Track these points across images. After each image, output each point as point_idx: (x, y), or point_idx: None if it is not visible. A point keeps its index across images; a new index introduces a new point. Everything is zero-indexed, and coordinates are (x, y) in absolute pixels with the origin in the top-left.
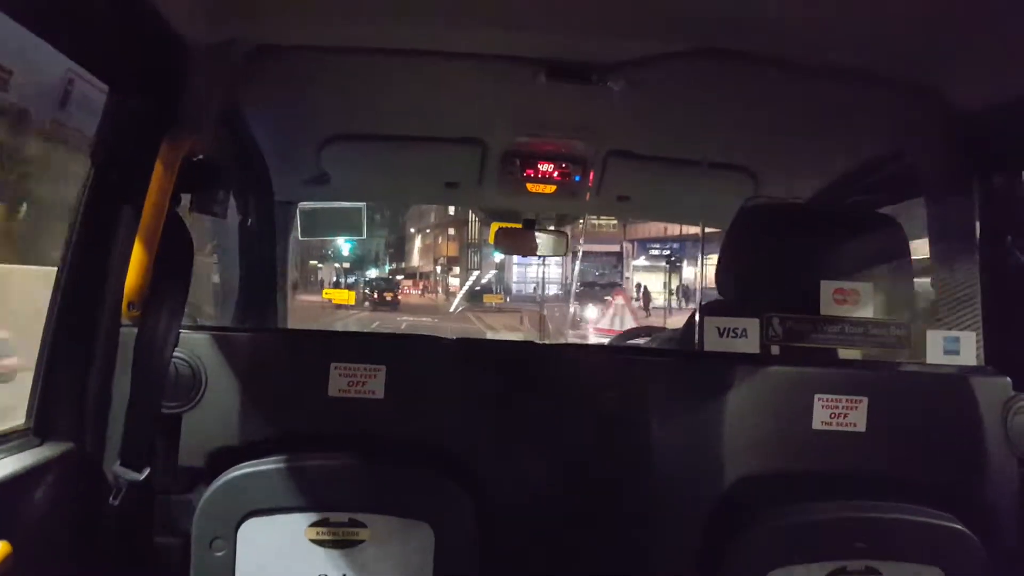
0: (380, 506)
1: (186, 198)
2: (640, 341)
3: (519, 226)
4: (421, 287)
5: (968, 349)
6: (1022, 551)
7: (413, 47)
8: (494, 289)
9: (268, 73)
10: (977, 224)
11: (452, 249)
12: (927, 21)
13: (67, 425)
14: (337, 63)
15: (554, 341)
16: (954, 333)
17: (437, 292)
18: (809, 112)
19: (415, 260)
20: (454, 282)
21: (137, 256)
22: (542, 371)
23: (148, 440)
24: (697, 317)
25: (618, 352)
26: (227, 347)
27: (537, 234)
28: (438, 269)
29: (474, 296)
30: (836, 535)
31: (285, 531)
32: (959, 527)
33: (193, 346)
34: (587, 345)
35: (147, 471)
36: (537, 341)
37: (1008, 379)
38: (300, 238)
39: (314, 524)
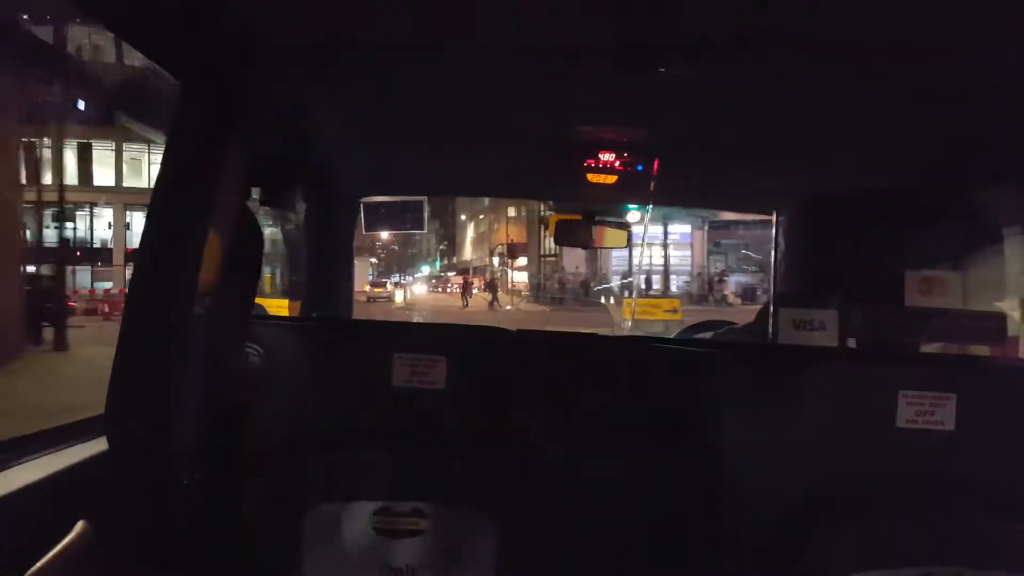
0: (441, 496)
1: (256, 192)
2: (709, 334)
3: (579, 217)
4: (476, 284)
5: None
6: None
7: (475, 39)
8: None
9: (332, 69)
10: None
11: (517, 233)
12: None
13: (140, 412)
14: (399, 58)
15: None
16: None
17: (495, 291)
18: (880, 96)
19: (467, 252)
20: (519, 278)
21: (210, 248)
22: (607, 363)
23: (218, 427)
24: (771, 308)
25: (685, 345)
26: (294, 337)
27: (598, 226)
28: (495, 261)
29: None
30: (921, 540)
31: (349, 520)
32: None
33: (261, 336)
34: (653, 338)
35: (216, 458)
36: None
37: None
38: (364, 232)
39: (377, 513)
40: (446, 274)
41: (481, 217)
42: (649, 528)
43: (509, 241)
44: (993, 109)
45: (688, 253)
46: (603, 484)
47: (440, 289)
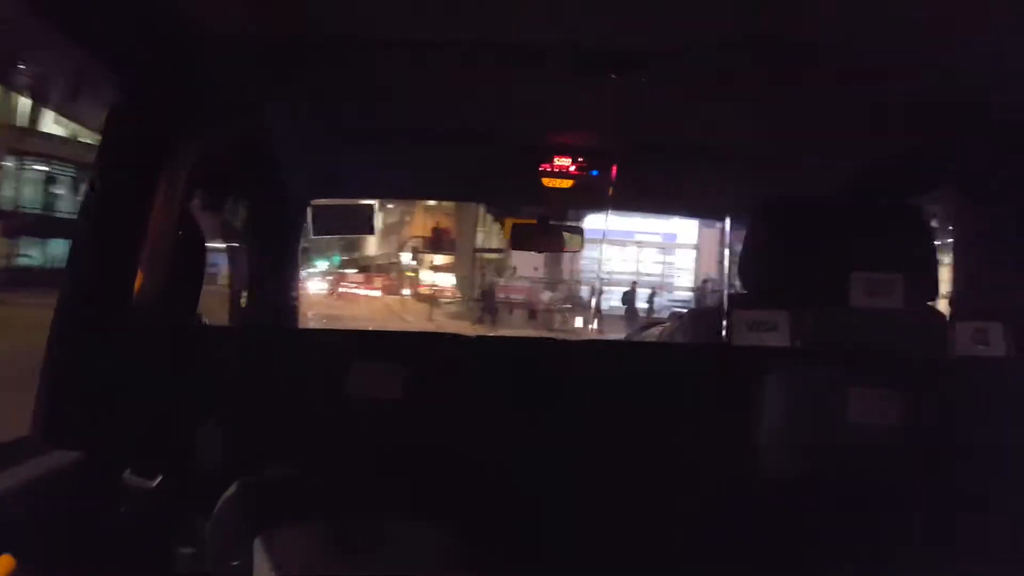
0: (403, 510)
1: (198, 196)
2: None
3: (534, 222)
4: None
5: (997, 339)
6: None
7: (429, 39)
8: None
9: (280, 70)
10: (1007, 215)
11: (440, 221)
12: (955, 10)
13: (75, 432)
14: (350, 58)
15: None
16: (983, 323)
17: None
18: (835, 104)
19: (372, 248)
20: (441, 281)
21: (148, 255)
22: (565, 367)
23: (161, 446)
24: (725, 310)
25: (641, 347)
26: (242, 348)
27: (553, 230)
28: (406, 258)
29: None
30: (873, 533)
31: (305, 538)
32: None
33: (207, 347)
34: (609, 340)
35: (159, 479)
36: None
37: None
38: (312, 236)
39: (335, 530)
40: (345, 271)
41: (391, 206)
42: (613, 530)
43: (435, 226)
44: (930, 119)
45: (693, 258)
46: (565, 489)
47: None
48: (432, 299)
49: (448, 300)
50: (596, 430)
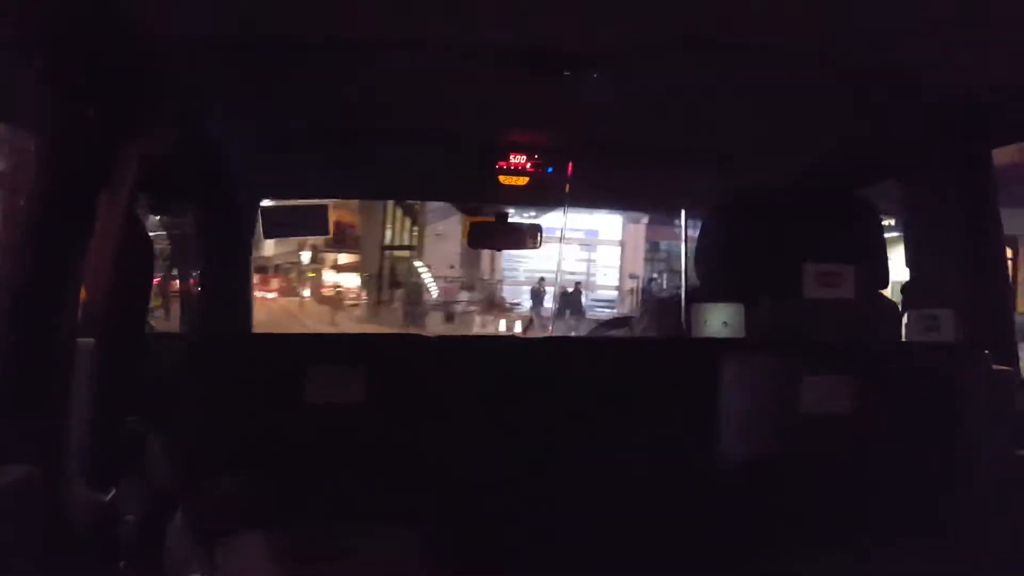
0: (367, 514)
1: (145, 201)
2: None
3: (492, 220)
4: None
5: (947, 325)
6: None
7: (380, 38)
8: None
9: (230, 68)
10: (950, 204)
11: (343, 217)
12: (902, 5)
13: (22, 447)
14: (301, 57)
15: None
16: (932, 310)
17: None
18: (784, 97)
19: (270, 248)
20: (345, 282)
21: (94, 262)
22: (529, 365)
23: (113, 459)
24: (684, 304)
25: (604, 343)
26: (195, 355)
27: (511, 227)
28: (305, 258)
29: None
30: (828, 518)
31: (265, 548)
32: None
33: (158, 356)
34: (572, 338)
35: (113, 492)
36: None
37: (988, 352)
38: (264, 239)
39: (296, 538)
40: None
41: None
42: (580, 525)
43: (337, 222)
44: (878, 110)
45: (618, 255)
46: (531, 487)
47: None
48: (334, 301)
49: (352, 302)
50: (564, 426)
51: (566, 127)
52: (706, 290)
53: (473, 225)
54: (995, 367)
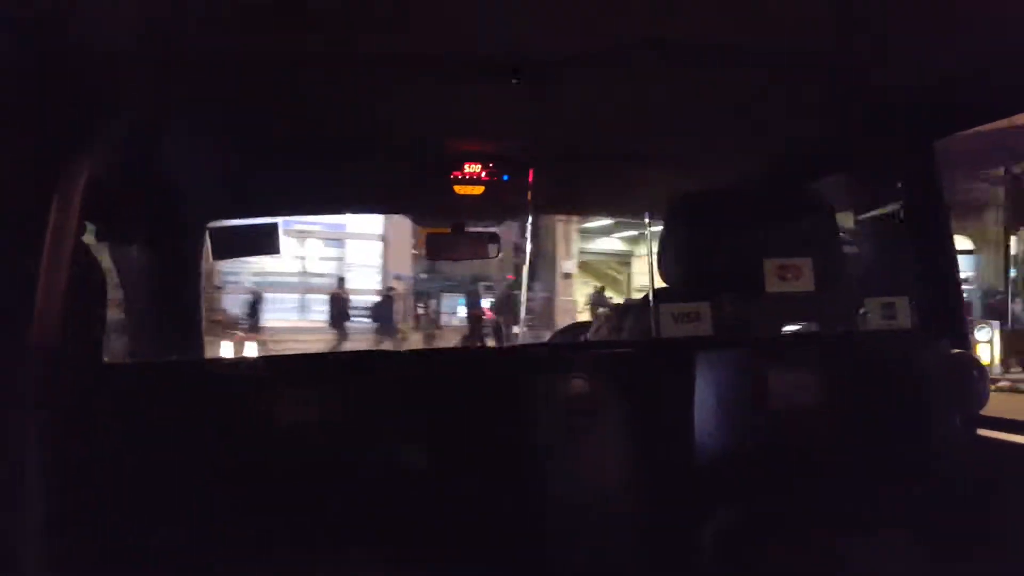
0: (344, 535)
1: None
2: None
3: (448, 231)
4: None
5: (903, 314)
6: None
7: (330, 50)
8: None
9: (175, 84)
10: (897, 194)
11: None
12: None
13: None
14: (247, 73)
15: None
16: (889, 299)
17: None
18: (736, 98)
19: None
20: None
21: (44, 296)
22: (503, 376)
23: (74, 496)
24: (652, 305)
25: (576, 348)
26: (158, 383)
27: (468, 236)
28: None
29: None
30: (804, 512)
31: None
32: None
33: (119, 385)
34: (544, 345)
35: (80, 531)
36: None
37: (946, 340)
38: (212, 260)
39: (265, 560)
40: None
41: None
42: (557, 534)
43: None
44: (827, 106)
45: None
46: (510, 496)
47: None
48: None
49: None
50: (538, 434)
51: (521, 134)
52: (671, 290)
53: (429, 236)
54: (951, 351)
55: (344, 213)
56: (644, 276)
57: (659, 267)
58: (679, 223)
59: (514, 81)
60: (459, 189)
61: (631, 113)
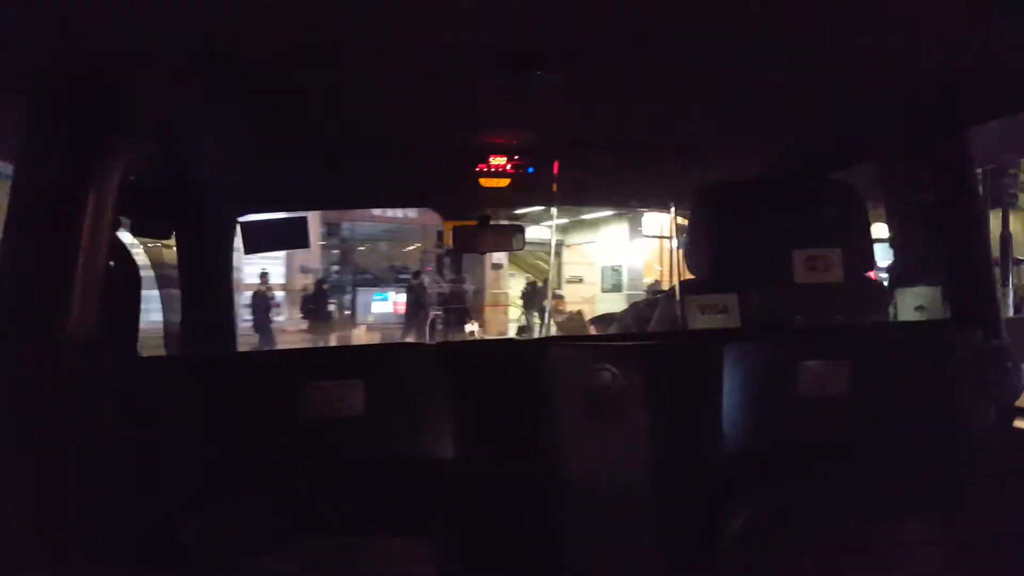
0: (373, 527)
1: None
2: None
3: (475, 223)
4: None
5: (935, 305)
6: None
7: (352, 46)
8: None
9: (205, 82)
10: (929, 183)
11: None
12: None
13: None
14: (275, 70)
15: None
16: (921, 290)
17: None
18: (761, 86)
19: None
20: None
21: (80, 290)
22: (529, 368)
23: (105, 488)
24: (678, 297)
25: (602, 341)
26: (187, 377)
27: (494, 229)
28: None
29: None
30: (832, 505)
31: (274, 566)
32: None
33: (150, 379)
34: (569, 337)
35: (110, 526)
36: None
37: (979, 331)
38: (245, 254)
39: (304, 555)
40: None
41: None
42: (585, 527)
43: None
44: (855, 92)
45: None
46: (536, 492)
47: None
48: None
49: None
50: (565, 426)
51: (545, 126)
52: (698, 282)
53: (456, 229)
54: (984, 341)
55: (369, 207)
56: (575, 267)
57: (686, 259)
58: (706, 214)
59: (537, 72)
60: (484, 182)
61: (654, 104)
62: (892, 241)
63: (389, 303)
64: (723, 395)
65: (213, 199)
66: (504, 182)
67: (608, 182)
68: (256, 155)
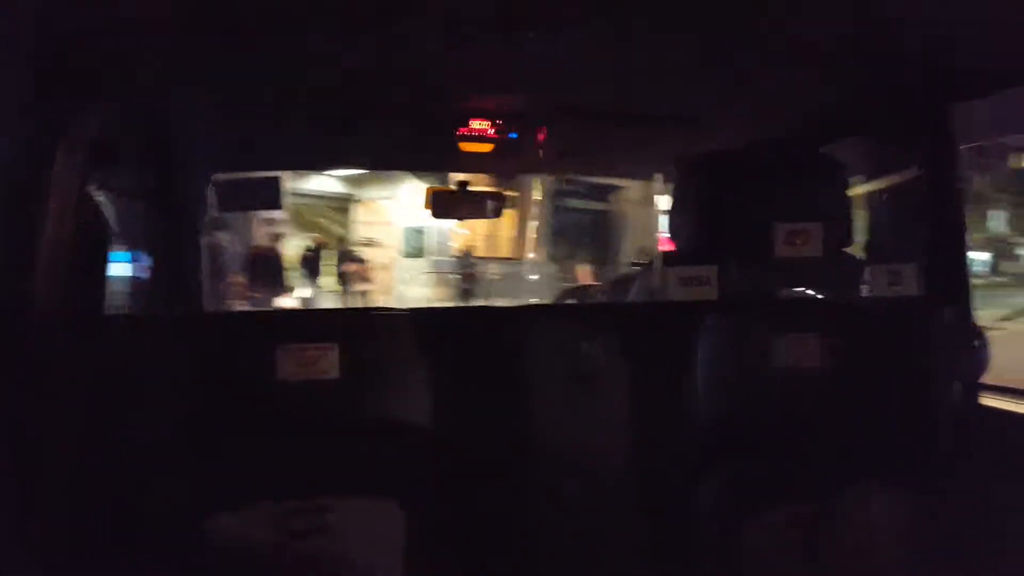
0: (345, 487)
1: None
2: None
3: (454, 188)
4: None
5: (910, 280)
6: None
7: (330, 3)
8: None
9: (182, 40)
10: (912, 160)
11: None
12: None
13: None
14: (250, 26)
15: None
16: (896, 265)
17: None
18: (749, 58)
19: None
20: None
21: (48, 245)
22: (503, 335)
23: (74, 443)
24: (657, 267)
25: (579, 310)
26: (160, 336)
27: (473, 195)
28: None
29: None
30: (808, 473)
31: (248, 523)
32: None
33: (122, 338)
34: (546, 305)
35: (79, 483)
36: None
37: (952, 306)
38: (218, 213)
39: (278, 512)
40: None
41: None
42: (557, 493)
43: None
44: (841, 68)
45: None
46: (508, 457)
47: None
48: None
49: None
50: (542, 394)
51: (530, 91)
52: (680, 253)
53: (435, 194)
54: (956, 318)
55: (346, 168)
56: (370, 227)
57: (669, 230)
58: (688, 185)
59: (530, 35)
60: (465, 147)
61: (637, 72)
62: (872, 217)
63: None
64: (699, 366)
65: (184, 158)
66: (487, 147)
67: (594, 150)
68: (229, 116)
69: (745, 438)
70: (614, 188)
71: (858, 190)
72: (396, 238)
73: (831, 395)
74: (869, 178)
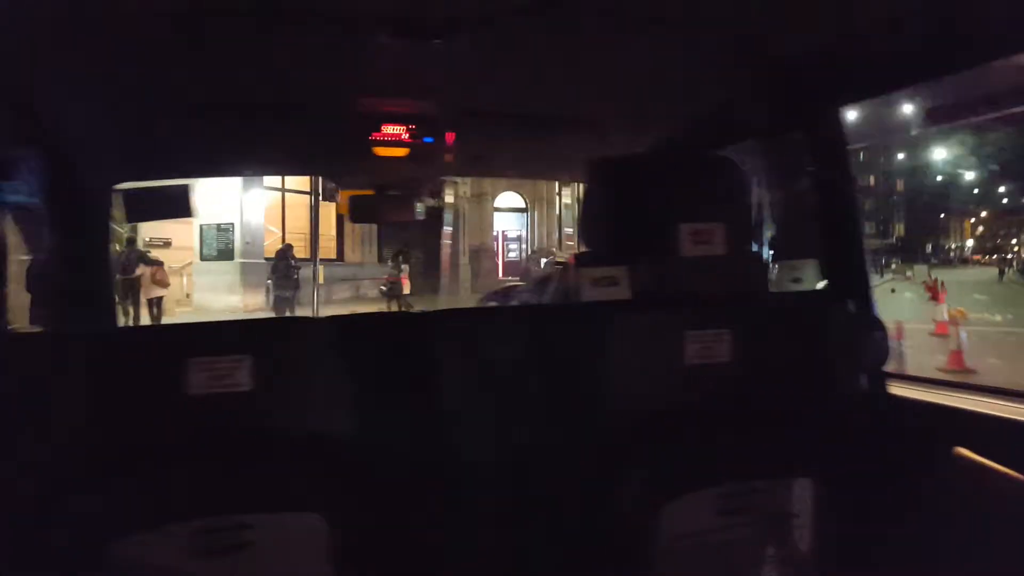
0: (264, 503)
1: None
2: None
3: (371, 192)
4: None
5: (810, 277)
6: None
7: (244, 6)
8: None
9: (79, 41)
10: (805, 160)
11: None
12: None
13: None
14: (155, 29)
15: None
16: (797, 262)
17: None
18: (647, 63)
19: None
20: None
21: None
22: (420, 340)
23: None
24: (573, 270)
25: (494, 312)
26: (59, 355)
27: (391, 199)
28: None
29: None
30: (716, 462)
31: (160, 548)
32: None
33: (15, 358)
34: (463, 309)
35: None
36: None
37: (849, 301)
38: (127, 223)
39: (193, 535)
40: None
41: None
42: (477, 496)
43: None
44: (737, 72)
45: None
46: (428, 462)
47: None
48: None
49: None
50: (464, 399)
51: (443, 95)
52: (592, 254)
53: (353, 199)
54: (854, 312)
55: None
56: (159, 225)
57: (581, 231)
58: (597, 188)
59: (436, 41)
60: (379, 151)
61: (545, 75)
62: (772, 216)
63: None
64: (613, 365)
65: (88, 166)
66: (402, 152)
67: (507, 153)
68: (132, 120)
69: (658, 433)
70: (446, 183)
71: (759, 191)
72: (194, 238)
73: (742, 388)
74: (769, 179)
